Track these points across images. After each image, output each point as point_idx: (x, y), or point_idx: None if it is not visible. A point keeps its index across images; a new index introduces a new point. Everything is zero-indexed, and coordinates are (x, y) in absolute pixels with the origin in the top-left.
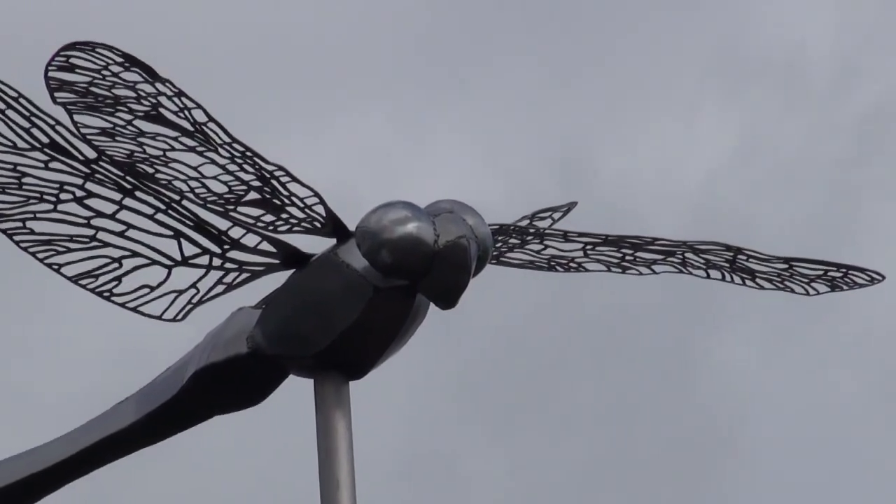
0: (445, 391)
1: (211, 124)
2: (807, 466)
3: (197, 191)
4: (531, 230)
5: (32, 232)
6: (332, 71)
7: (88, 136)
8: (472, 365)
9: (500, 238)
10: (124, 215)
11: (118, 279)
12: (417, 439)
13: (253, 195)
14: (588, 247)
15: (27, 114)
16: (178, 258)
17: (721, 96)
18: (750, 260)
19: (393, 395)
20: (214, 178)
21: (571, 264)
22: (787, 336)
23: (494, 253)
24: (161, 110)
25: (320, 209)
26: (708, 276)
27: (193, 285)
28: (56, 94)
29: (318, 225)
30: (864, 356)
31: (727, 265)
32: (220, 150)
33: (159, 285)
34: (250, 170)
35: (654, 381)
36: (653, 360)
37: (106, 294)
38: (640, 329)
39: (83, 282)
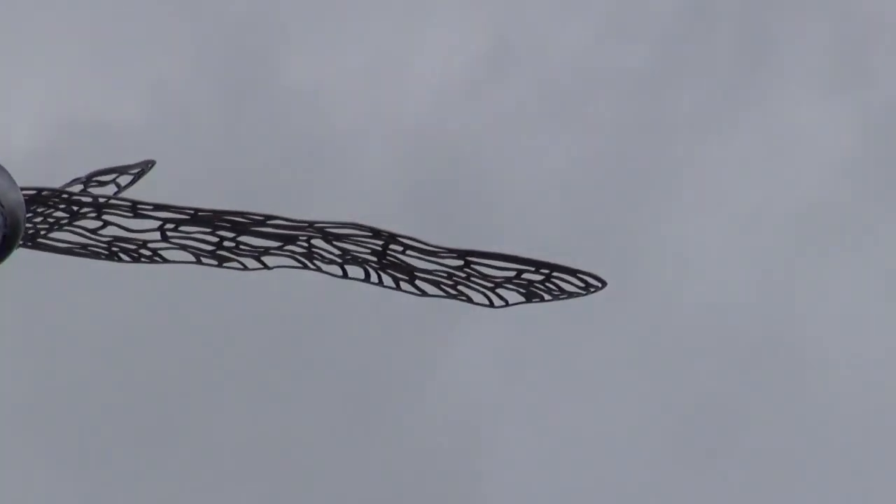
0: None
1: None
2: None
3: None
4: (85, 199)
5: None
6: None
7: None
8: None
9: (38, 209)
10: None
11: None
12: None
13: None
14: (168, 227)
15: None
16: None
17: None
18: (407, 252)
19: None
20: None
21: (143, 251)
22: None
23: (29, 230)
24: None
25: None
26: (345, 275)
27: None
28: None
29: None
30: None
31: (374, 259)
32: None
33: None
34: None
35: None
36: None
37: None
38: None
39: None
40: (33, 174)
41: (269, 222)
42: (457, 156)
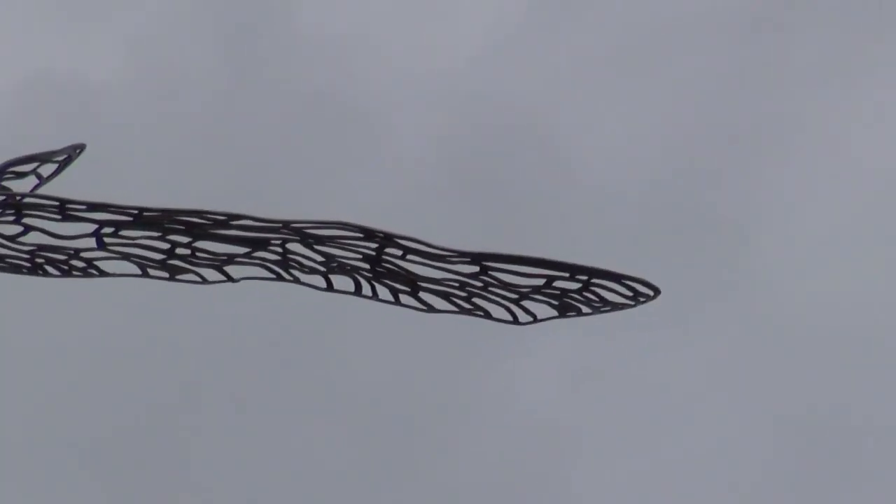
0: None
1: None
2: None
3: None
4: (1, 195)
5: None
6: None
7: None
8: None
9: None
10: None
11: None
12: None
13: None
14: (106, 231)
15: None
16: None
17: None
18: (408, 257)
19: None
20: None
21: (75, 262)
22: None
23: None
24: None
25: None
26: (329, 288)
27: None
28: None
29: None
30: None
31: (366, 267)
32: None
33: None
34: None
35: None
36: None
37: None
38: None
39: None
40: None
41: (233, 223)
42: (510, 121)
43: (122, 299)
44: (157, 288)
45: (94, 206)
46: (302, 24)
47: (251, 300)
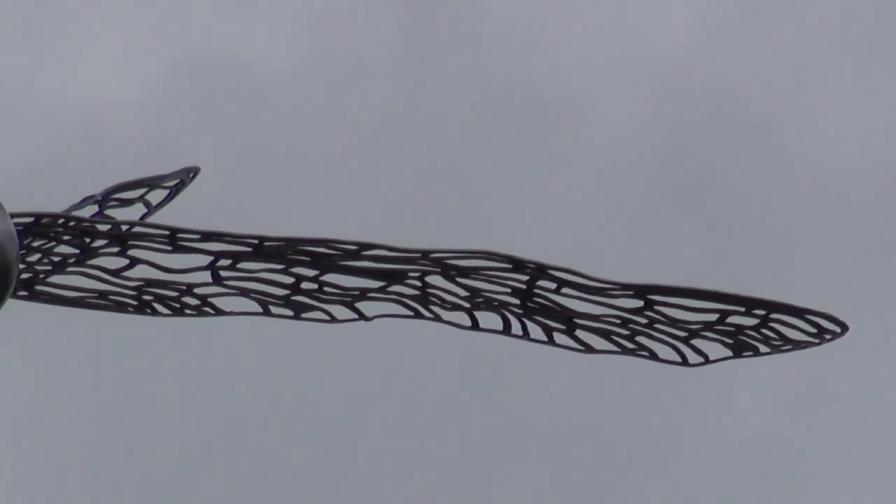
0: None
1: None
2: None
3: None
4: (101, 226)
5: None
6: None
7: None
8: None
9: (35, 243)
10: None
11: None
12: None
13: None
14: (223, 263)
15: None
16: None
17: None
18: (563, 290)
19: None
20: None
21: (188, 299)
22: None
23: (25, 274)
24: None
25: None
26: (475, 326)
27: None
28: None
29: None
30: None
31: (516, 302)
32: None
33: None
34: None
35: None
36: None
37: None
38: None
39: None
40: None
41: (365, 253)
42: (721, 114)
43: (243, 341)
44: (279, 328)
45: (208, 236)
46: (491, 4)
47: (381, 339)
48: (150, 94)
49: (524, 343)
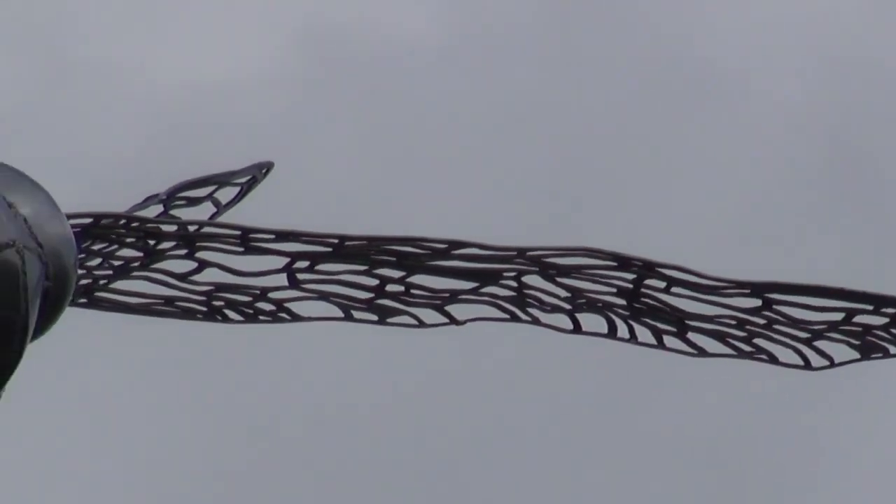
0: None
1: None
2: None
3: None
4: (167, 227)
5: None
6: None
7: None
8: None
9: (95, 247)
10: None
11: None
12: None
13: None
14: (300, 266)
15: None
16: None
17: None
18: (673, 290)
19: None
20: None
21: (262, 305)
22: None
23: (85, 280)
24: None
25: None
26: (577, 329)
27: None
28: None
29: None
30: None
31: (622, 303)
32: None
33: None
34: None
35: None
36: None
37: None
38: None
39: None
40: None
41: (455, 252)
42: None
43: (326, 349)
44: (363, 334)
45: (283, 236)
46: None
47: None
48: (270, 73)
49: (631, 347)
